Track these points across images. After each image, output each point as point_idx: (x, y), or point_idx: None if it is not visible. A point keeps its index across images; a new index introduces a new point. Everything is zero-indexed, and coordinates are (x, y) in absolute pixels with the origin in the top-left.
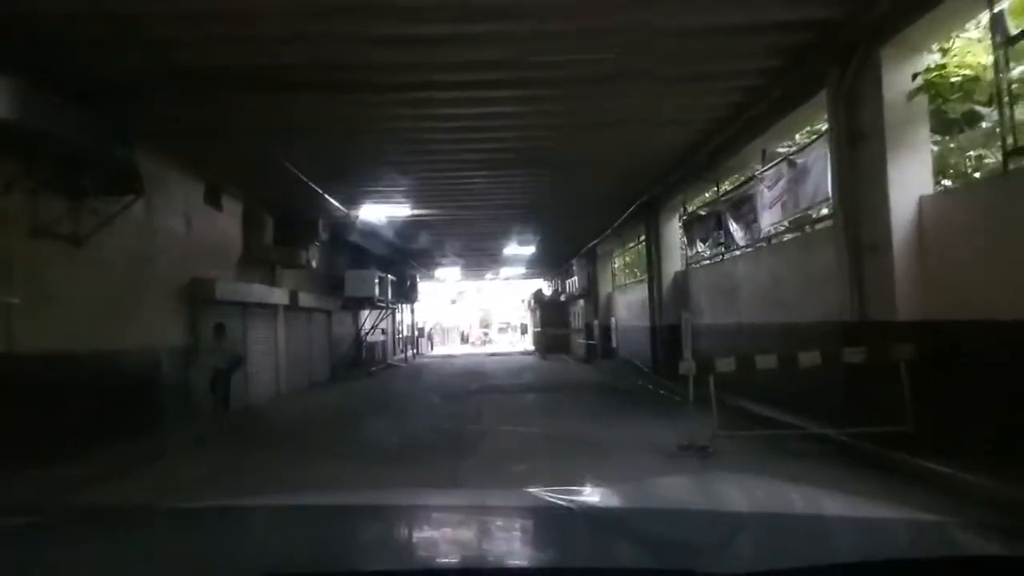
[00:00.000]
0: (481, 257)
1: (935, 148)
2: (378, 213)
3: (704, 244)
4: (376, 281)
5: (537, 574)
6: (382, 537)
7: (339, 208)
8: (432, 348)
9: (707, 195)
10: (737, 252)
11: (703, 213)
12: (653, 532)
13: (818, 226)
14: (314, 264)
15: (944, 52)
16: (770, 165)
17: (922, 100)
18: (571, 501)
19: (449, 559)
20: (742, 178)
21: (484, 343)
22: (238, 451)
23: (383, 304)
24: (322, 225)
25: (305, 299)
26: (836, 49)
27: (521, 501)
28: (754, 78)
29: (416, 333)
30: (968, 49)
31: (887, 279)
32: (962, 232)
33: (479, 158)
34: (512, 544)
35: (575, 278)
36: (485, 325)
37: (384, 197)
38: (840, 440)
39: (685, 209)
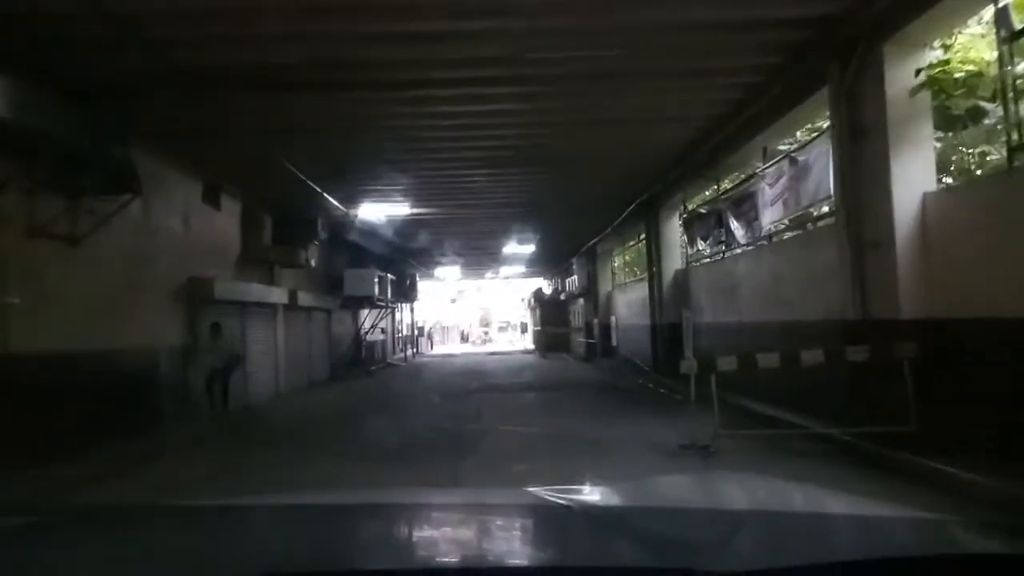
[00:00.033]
0: (481, 256)
1: (938, 145)
2: (377, 212)
3: (704, 242)
4: (375, 280)
5: (537, 573)
6: (382, 536)
7: (338, 207)
8: (432, 347)
9: (707, 193)
10: (738, 250)
11: (703, 211)
12: (653, 530)
13: (819, 224)
14: (313, 263)
15: (946, 48)
16: (771, 163)
17: (925, 96)
18: (571, 500)
19: (449, 558)
20: (742, 176)
21: (484, 342)
22: (237, 451)
23: (383, 303)
24: (321, 224)
25: (304, 298)
26: (837, 45)
27: (521, 500)
28: (754, 75)
29: (416, 332)
30: (971, 45)
31: (890, 277)
32: (966, 229)
33: (478, 156)
34: (512, 543)
35: (575, 277)
36: (485, 324)
37: (383, 196)
38: (843, 439)
39: (685, 207)
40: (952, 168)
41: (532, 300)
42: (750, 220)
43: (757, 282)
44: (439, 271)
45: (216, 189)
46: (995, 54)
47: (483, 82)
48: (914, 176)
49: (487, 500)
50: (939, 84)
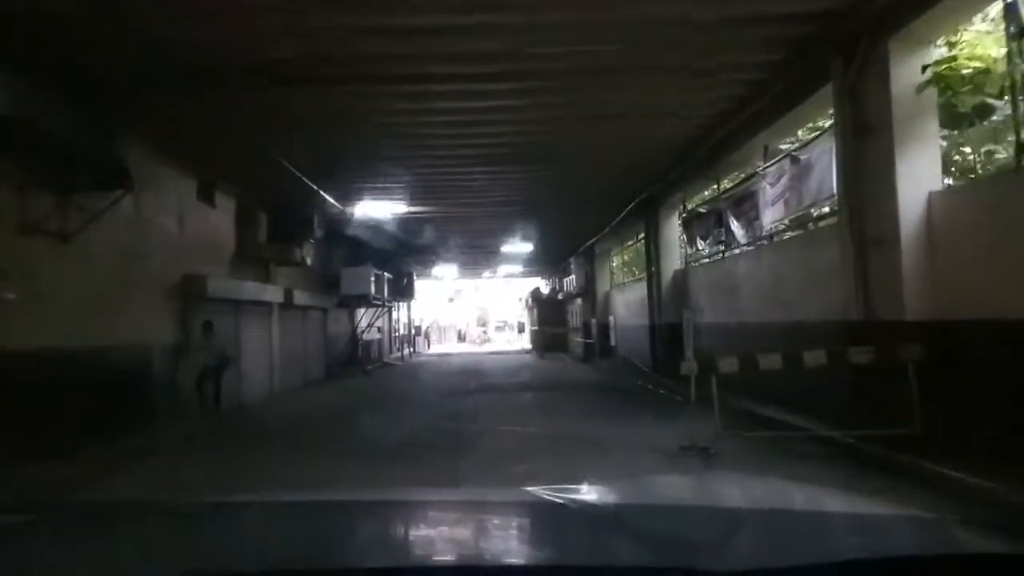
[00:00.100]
0: (479, 255)
1: (943, 143)
2: (374, 210)
3: (704, 242)
4: (372, 279)
5: (535, 572)
6: (379, 534)
7: (334, 205)
8: (429, 346)
9: (707, 193)
10: (738, 250)
11: (703, 210)
12: (652, 529)
13: (821, 223)
14: (309, 261)
15: (951, 45)
16: (772, 161)
17: (931, 93)
18: (569, 498)
19: (446, 556)
20: (743, 175)
21: (484, 342)
22: (230, 450)
23: (379, 302)
24: (317, 222)
25: (300, 297)
26: (840, 41)
27: (519, 498)
28: (756, 71)
29: (413, 331)
30: (977, 42)
31: (894, 277)
32: (972, 229)
33: (477, 153)
34: (510, 542)
35: (573, 276)
36: (482, 323)
37: (380, 193)
38: (846, 442)
39: (685, 206)
40: (953, 168)
41: (530, 300)
42: (751, 219)
43: (758, 282)
44: (437, 270)
45: (210, 186)
46: (1003, 51)
47: (482, 78)
48: (919, 174)
49: (485, 499)
50: (945, 81)
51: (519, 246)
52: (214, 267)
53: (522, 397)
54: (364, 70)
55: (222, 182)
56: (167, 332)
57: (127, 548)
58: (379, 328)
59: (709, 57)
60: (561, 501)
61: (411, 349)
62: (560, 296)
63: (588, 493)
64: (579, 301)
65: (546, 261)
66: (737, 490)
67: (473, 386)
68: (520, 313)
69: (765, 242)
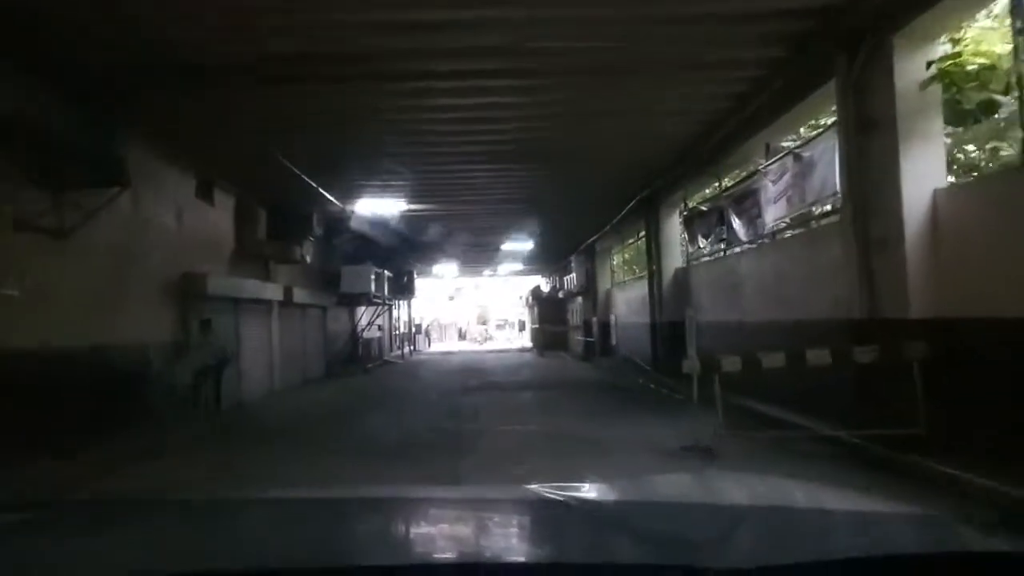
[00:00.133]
0: (479, 253)
1: (948, 140)
2: (375, 208)
3: (706, 240)
4: (372, 277)
5: (535, 569)
6: (379, 532)
7: (334, 203)
8: (429, 345)
9: (708, 191)
10: (738, 249)
11: (705, 208)
12: (652, 527)
13: (823, 221)
14: (309, 259)
15: (955, 42)
16: (775, 159)
17: (935, 90)
18: (569, 496)
19: (446, 554)
20: (744, 173)
21: (486, 339)
22: (228, 449)
23: (380, 300)
24: (317, 220)
25: (299, 295)
26: (843, 36)
27: (519, 496)
28: (757, 68)
29: (413, 329)
30: (981, 38)
31: (899, 275)
32: (977, 226)
33: (477, 151)
34: (510, 540)
35: (573, 275)
36: (483, 321)
37: (380, 191)
38: (850, 442)
39: (686, 204)
40: (955, 167)
41: (530, 298)
42: (752, 217)
43: (759, 280)
44: (437, 268)
45: (209, 183)
46: (1008, 47)
47: (483, 74)
48: (924, 171)
49: (485, 496)
50: (950, 77)
51: (520, 244)
52: (213, 265)
53: (522, 396)
54: (365, 67)
55: (221, 180)
56: (166, 331)
57: (127, 545)
58: (379, 326)
59: (710, 53)
60: (561, 499)
61: (411, 347)
62: (560, 294)
63: (588, 491)
64: (580, 299)
65: (547, 259)
66: (736, 487)
67: (473, 384)
68: (520, 311)
69: (767, 240)
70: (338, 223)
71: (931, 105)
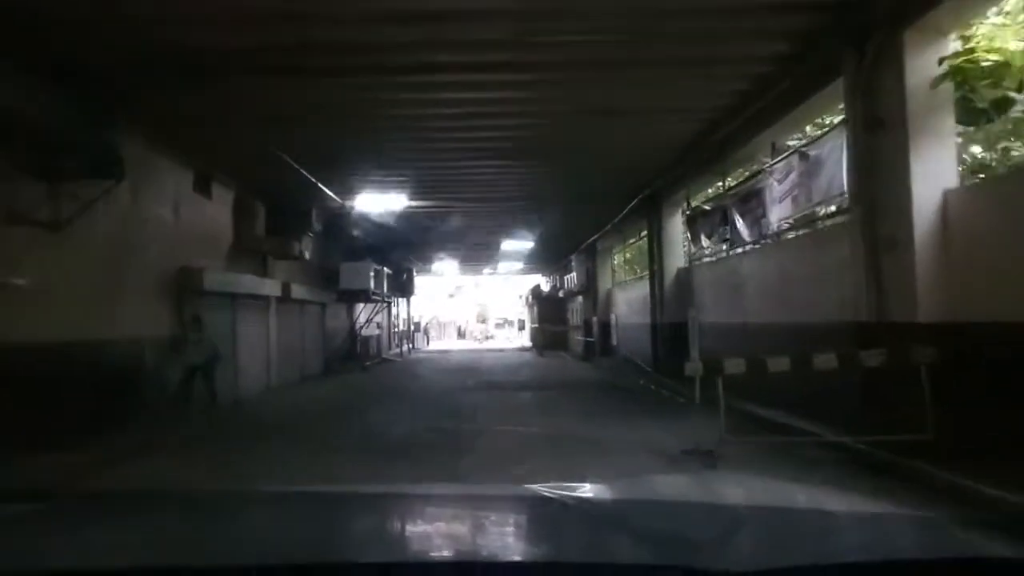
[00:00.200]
0: (479, 251)
1: (959, 140)
2: (374, 204)
3: (709, 240)
4: (372, 274)
5: (532, 568)
6: (377, 529)
7: (334, 198)
8: (428, 343)
9: (711, 190)
10: (740, 249)
11: (708, 208)
12: (651, 527)
13: (829, 222)
14: (307, 255)
15: (965, 39)
16: (780, 157)
17: (947, 87)
18: (568, 495)
19: (444, 552)
20: (747, 173)
21: (487, 338)
22: (223, 446)
23: (379, 297)
24: (316, 215)
25: (298, 291)
26: (851, 32)
27: (518, 494)
28: (763, 64)
29: (412, 327)
30: (993, 34)
31: (908, 277)
32: (989, 228)
33: (479, 147)
34: (507, 538)
35: (574, 274)
36: (482, 320)
37: (380, 187)
38: (856, 448)
39: (689, 203)
40: (961, 168)
41: (530, 297)
42: (757, 217)
43: (763, 281)
44: (437, 266)
45: (208, 177)
46: (1022, 44)
47: (484, 67)
48: (934, 171)
49: (484, 494)
50: (963, 74)
51: (520, 242)
52: (211, 260)
53: (522, 396)
54: (364, 59)
55: (220, 174)
56: (163, 325)
57: (125, 540)
58: (378, 324)
59: (714, 49)
60: (560, 498)
61: (410, 345)
62: (561, 293)
63: (587, 490)
64: (580, 299)
65: (547, 258)
66: (736, 489)
67: (472, 384)
68: (520, 310)
69: (772, 240)
70: (337, 219)
71: (942, 103)
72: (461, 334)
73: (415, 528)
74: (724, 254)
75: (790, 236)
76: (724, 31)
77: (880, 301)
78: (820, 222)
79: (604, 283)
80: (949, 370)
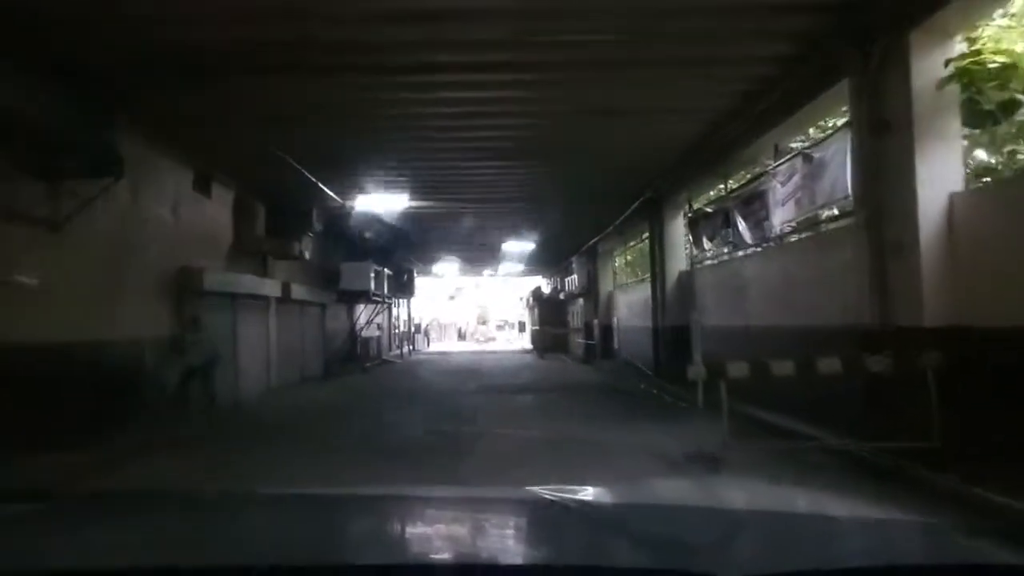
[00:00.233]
0: (480, 252)
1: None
2: (375, 204)
3: (711, 242)
4: (372, 274)
5: (532, 571)
6: (376, 531)
7: (334, 199)
8: (429, 344)
9: (713, 193)
10: (741, 253)
11: (710, 210)
12: (650, 531)
13: (833, 225)
14: (308, 255)
15: (971, 41)
16: (783, 160)
17: (953, 89)
18: (567, 498)
19: (443, 554)
20: (750, 175)
21: (488, 340)
22: (223, 447)
23: (379, 298)
24: (316, 215)
25: (298, 291)
26: (856, 33)
27: (517, 497)
28: (767, 65)
29: (413, 329)
30: (999, 36)
31: (913, 281)
32: (995, 231)
33: (479, 147)
34: (507, 541)
35: (575, 276)
36: (483, 321)
37: (381, 188)
38: (860, 453)
39: (691, 206)
40: (966, 171)
41: (531, 299)
42: (760, 220)
43: (766, 285)
44: (437, 267)
45: (207, 177)
46: None
47: (485, 67)
48: (940, 174)
49: (484, 496)
50: (970, 76)
51: (521, 244)
52: (211, 260)
53: (522, 398)
54: (364, 58)
55: (220, 173)
56: (163, 326)
57: (125, 540)
58: (378, 325)
59: (717, 49)
60: (560, 501)
61: (411, 347)
62: (562, 296)
63: (586, 493)
64: (581, 301)
65: (548, 260)
66: (736, 493)
67: (473, 386)
68: (521, 312)
69: (774, 243)
70: (338, 219)
71: (948, 105)
72: (462, 336)
73: (415, 530)
74: (726, 257)
75: (793, 239)
76: (725, 31)
77: (885, 305)
78: (824, 225)
79: (605, 286)
80: (954, 375)
